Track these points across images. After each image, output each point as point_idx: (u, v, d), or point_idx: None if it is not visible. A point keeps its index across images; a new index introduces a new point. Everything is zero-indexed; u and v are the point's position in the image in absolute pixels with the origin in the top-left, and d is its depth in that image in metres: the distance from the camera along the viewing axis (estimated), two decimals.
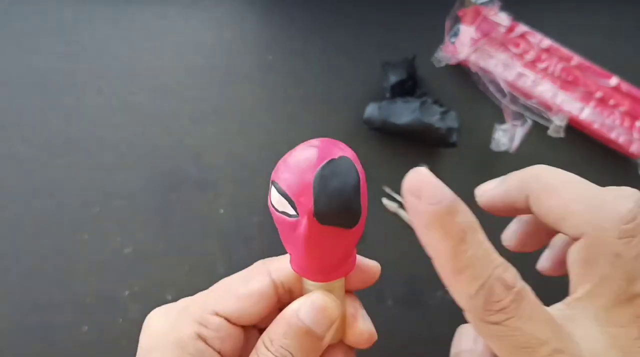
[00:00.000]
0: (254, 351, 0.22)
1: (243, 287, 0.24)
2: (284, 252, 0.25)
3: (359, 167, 0.21)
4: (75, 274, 0.42)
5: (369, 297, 0.44)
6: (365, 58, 0.47)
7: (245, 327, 0.24)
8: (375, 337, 0.25)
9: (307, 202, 0.20)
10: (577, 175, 0.21)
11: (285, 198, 0.20)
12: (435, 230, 0.18)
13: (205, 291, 0.25)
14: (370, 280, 0.26)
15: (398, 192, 0.44)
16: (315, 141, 0.21)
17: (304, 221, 0.20)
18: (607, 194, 0.20)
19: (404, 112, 0.44)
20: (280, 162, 0.22)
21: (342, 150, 0.21)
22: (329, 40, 0.47)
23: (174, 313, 0.24)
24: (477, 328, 0.19)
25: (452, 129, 0.43)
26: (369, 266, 0.26)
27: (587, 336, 0.18)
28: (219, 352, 0.23)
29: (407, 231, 0.44)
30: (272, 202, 0.21)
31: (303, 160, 0.20)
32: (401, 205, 0.45)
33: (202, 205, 0.44)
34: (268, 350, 0.22)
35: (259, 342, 0.22)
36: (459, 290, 0.19)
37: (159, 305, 0.40)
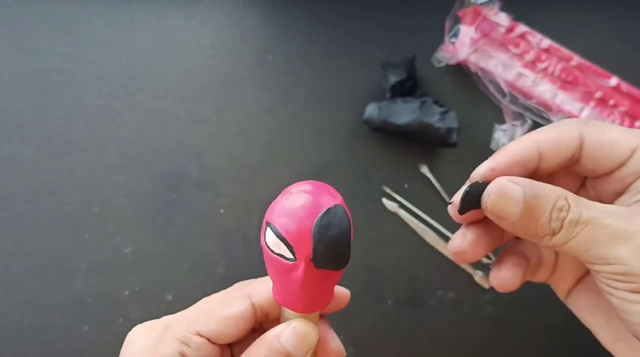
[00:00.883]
0: None
1: (224, 310, 0.25)
2: None
3: (348, 212, 0.22)
4: (76, 274, 0.42)
5: (369, 297, 0.44)
6: (365, 58, 0.47)
7: (222, 346, 0.26)
8: (344, 354, 0.27)
9: (306, 249, 0.22)
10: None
11: (283, 242, 0.22)
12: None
13: (187, 310, 0.26)
14: (341, 306, 0.28)
15: (398, 192, 0.45)
16: (306, 186, 0.23)
17: (301, 265, 0.22)
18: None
19: (404, 112, 0.44)
20: (275, 203, 0.23)
21: (334, 197, 0.22)
22: (330, 40, 0.47)
23: (157, 331, 0.25)
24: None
25: (452, 129, 0.43)
26: (341, 293, 0.28)
27: None
28: None
29: (407, 231, 0.44)
30: (268, 243, 0.23)
31: (300, 207, 0.22)
32: (401, 205, 0.45)
33: (203, 205, 0.44)
34: None
35: None
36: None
37: (159, 305, 0.40)
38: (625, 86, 0.46)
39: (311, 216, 0.21)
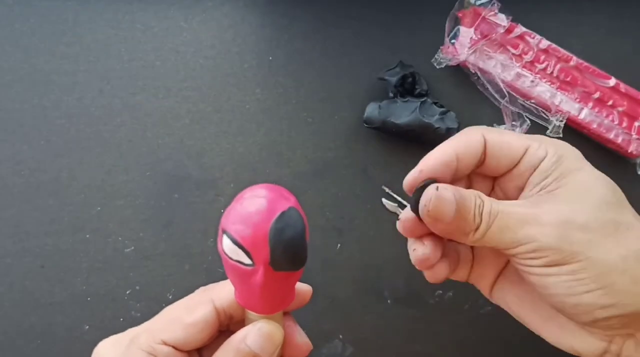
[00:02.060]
0: None
1: (188, 317, 0.25)
2: None
3: (302, 213, 0.23)
4: (76, 273, 0.42)
5: (369, 296, 0.44)
6: (365, 58, 0.47)
7: (189, 352, 0.26)
8: (311, 347, 0.28)
9: (263, 253, 0.22)
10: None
11: (240, 248, 0.22)
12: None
13: (151, 320, 0.26)
14: (303, 302, 0.29)
15: (398, 192, 0.45)
16: (260, 190, 0.23)
17: (260, 270, 0.22)
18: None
19: (404, 112, 0.44)
20: (229, 210, 0.23)
21: (287, 200, 0.23)
22: (329, 40, 0.48)
23: (123, 344, 0.25)
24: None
25: (451, 130, 0.43)
26: (303, 290, 0.29)
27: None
28: None
29: None
30: (225, 250, 0.23)
31: (255, 212, 0.22)
32: (401, 205, 0.45)
33: (203, 205, 0.44)
34: None
35: None
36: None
37: (159, 304, 0.40)
38: (623, 86, 0.47)
39: (266, 220, 0.22)
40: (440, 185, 0.26)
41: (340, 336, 0.43)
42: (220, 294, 0.26)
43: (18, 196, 0.43)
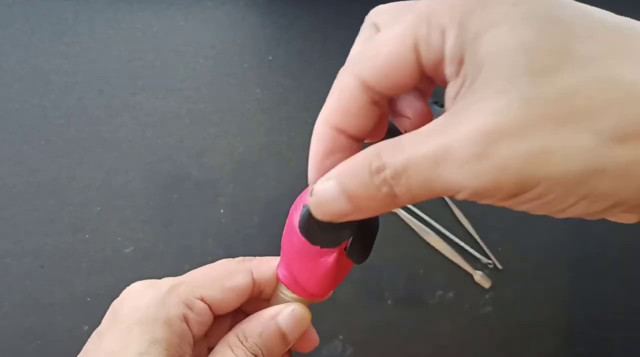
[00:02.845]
0: (224, 342, 0.24)
1: (228, 281, 0.25)
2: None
3: None
4: (76, 273, 0.42)
5: (369, 297, 0.44)
6: None
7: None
8: (318, 342, 0.28)
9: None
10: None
11: None
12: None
13: (190, 274, 0.26)
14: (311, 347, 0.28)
15: None
16: None
17: (334, 253, 0.22)
18: None
19: None
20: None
21: None
22: (330, 40, 0.47)
23: (162, 289, 0.25)
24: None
25: None
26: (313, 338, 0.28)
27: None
28: (194, 336, 0.24)
29: (407, 231, 0.45)
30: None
31: None
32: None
33: (203, 205, 0.44)
34: (242, 344, 0.24)
35: (231, 336, 0.24)
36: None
37: None
38: None
39: None
40: (319, 181, 0.20)
41: (340, 337, 0.43)
42: (260, 267, 0.26)
43: (18, 196, 0.43)
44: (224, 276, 0.26)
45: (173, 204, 0.44)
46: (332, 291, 0.25)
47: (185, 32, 0.47)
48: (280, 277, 0.25)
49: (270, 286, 0.26)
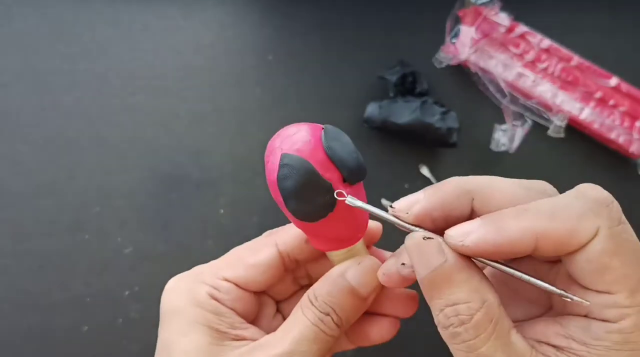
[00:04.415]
0: (297, 305, 0.25)
1: (251, 257, 0.26)
2: None
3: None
4: (75, 274, 0.42)
5: None
6: (365, 58, 0.47)
7: (256, 293, 0.27)
8: (417, 297, 0.28)
9: (333, 174, 0.22)
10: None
11: None
12: None
13: (218, 260, 0.27)
14: (376, 237, 0.29)
15: (398, 192, 0.44)
16: (287, 130, 0.23)
17: (338, 201, 0.22)
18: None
19: (405, 112, 0.44)
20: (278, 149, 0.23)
21: (314, 124, 0.23)
22: (330, 40, 0.47)
23: (188, 279, 0.26)
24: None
25: (452, 129, 0.43)
26: (372, 226, 0.28)
27: None
28: (232, 310, 0.25)
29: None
30: None
31: (303, 143, 0.22)
32: None
33: (202, 205, 0.44)
34: (312, 304, 0.24)
35: (304, 297, 0.25)
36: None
37: (159, 305, 0.40)
38: (625, 86, 0.46)
39: (316, 144, 0.22)
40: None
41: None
42: (283, 237, 0.27)
43: (17, 196, 0.43)
44: (247, 254, 0.26)
45: (172, 204, 0.44)
46: (365, 224, 0.25)
47: (185, 31, 0.47)
48: (317, 247, 0.25)
49: (301, 254, 0.26)
